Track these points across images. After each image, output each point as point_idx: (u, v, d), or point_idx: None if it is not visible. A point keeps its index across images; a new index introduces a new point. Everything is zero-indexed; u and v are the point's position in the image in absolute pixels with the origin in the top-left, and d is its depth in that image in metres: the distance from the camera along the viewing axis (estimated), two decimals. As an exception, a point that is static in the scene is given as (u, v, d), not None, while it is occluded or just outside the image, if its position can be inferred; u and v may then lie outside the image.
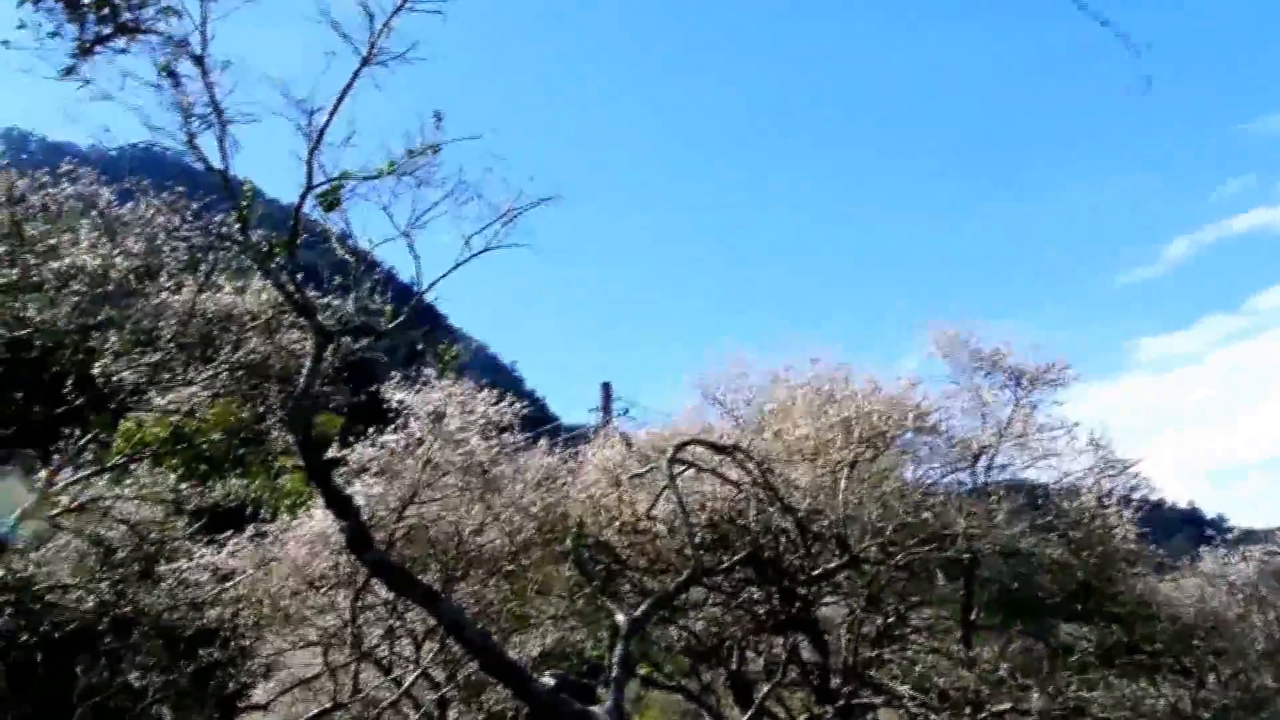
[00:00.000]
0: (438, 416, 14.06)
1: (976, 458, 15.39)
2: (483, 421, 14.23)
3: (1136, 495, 15.36)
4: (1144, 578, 15.60)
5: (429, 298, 11.63)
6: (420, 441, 14.11)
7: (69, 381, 13.80)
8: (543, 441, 15.69)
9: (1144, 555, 15.57)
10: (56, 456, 14.69)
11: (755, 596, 15.38)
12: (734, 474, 13.32)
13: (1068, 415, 15.40)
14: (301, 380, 10.71)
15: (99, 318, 13.57)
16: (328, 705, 15.86)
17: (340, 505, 10.66)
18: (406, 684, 15.48)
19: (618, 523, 14.36)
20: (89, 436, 14.74)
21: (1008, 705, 14.50)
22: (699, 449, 13.22)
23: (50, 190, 12.73)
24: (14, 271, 12.24)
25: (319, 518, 15.29)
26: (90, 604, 16.46)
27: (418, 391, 14.36)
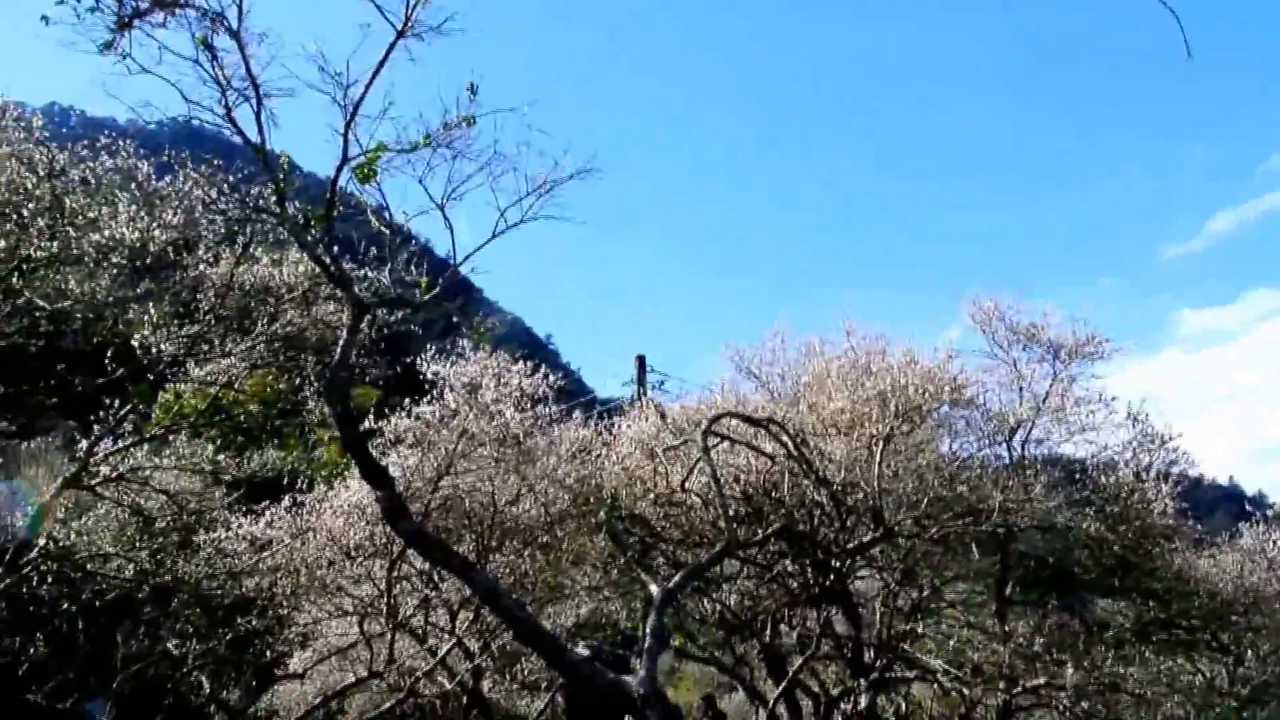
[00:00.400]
0: (473, 388, 14.12)
1: (1013, 431, 15.28)
2: (518, 393, 14.29)
3: (1175, 470, 15.19)
4: (1182, 553, 15.45)
5: (464, 270, 11.64)
6: (455, 413, 14.18)
7: (109, 353, 13.91)
8: (577, 413, 15.73)
9: (1182, 531, 15.41)
10: (96, 427, 14.80)
11: (789, 569, 15.38)
12: (769, 447, 13.30)
13: (1106, 389, 15.26)
14: (338, 352, 10.77)
15: (138, 290, 13.68)
16: (364, 674, 16.04)
17: (376, 476, 10.73)
18: (442, 653, 15.60)
19: (652, 495, 14.39)
20: (128, 407, 14.84)
21: (1042, 680, 14.46)
22: (734, 422, 13.21)
23: (90, 164, 12.78)
24: (54, 244, 12.33)
25: (355, 488, 15.41)
26: (130, 572, 16.65)
27: (453, 364, 14.42)
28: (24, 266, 12.35)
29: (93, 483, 15.23)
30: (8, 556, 14.61)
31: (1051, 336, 15.34)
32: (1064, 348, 15.32)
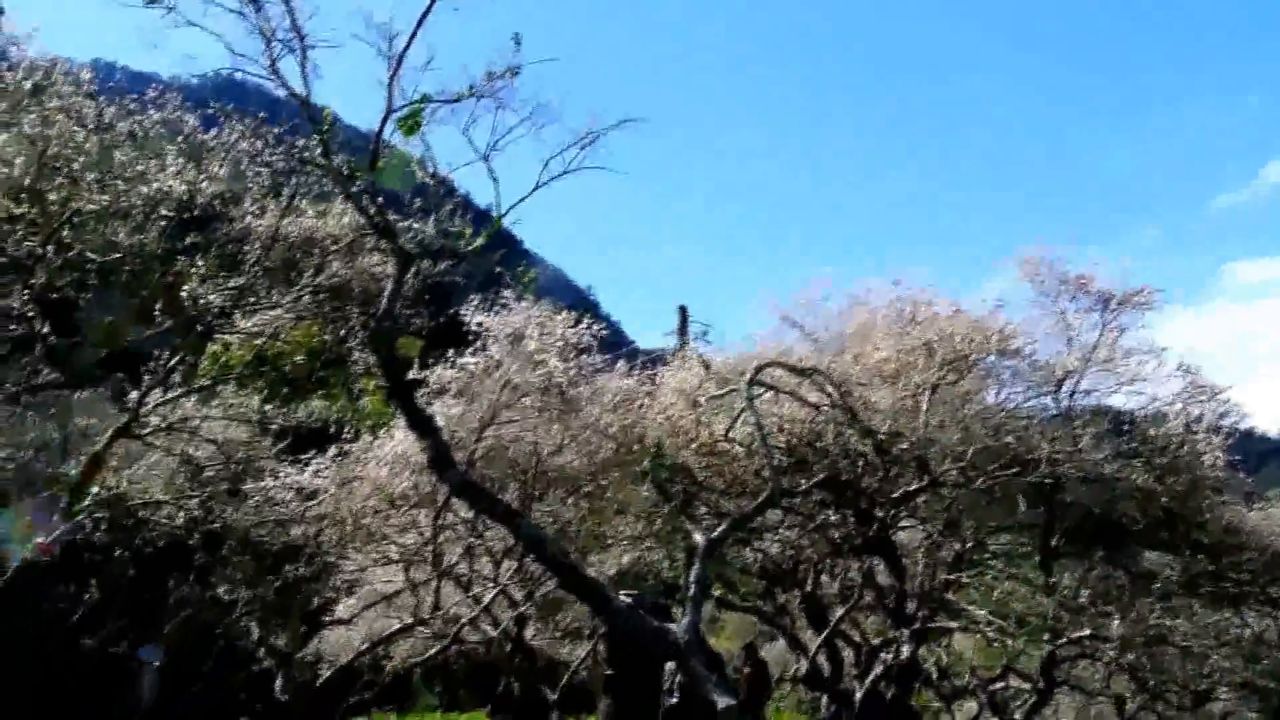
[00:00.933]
0: (517, 339, 14.13)
1: (1061, 382, 15.10)
2: (561, 343, 14.28)
3: (1226, 423, 14.96)
4: (1232, 506, 15.28)
5: (506, 222, 11.63)
6: (499, 363, 14.19)
7: (157, 305, 14.06)
8: (620, 364, 15.70)
9: (1232, 483, 15.24)
10: (146, 378, 15.00)
11: (831, 519, 15.37)
12: (813, 397, 13.25)
13: (1155, 340, 15.03)
14: (383, 302, 10.81)
15: (186, 242, 13.80)
16: (410, 621, 16.24)
17: (422, 425, 10.79)
18: (486, 601, 15.75)
19: (695, 444, 14.39)
20: (177, 359, 15.04)
21: (1087, 632, 14.42)
22: (778, 372, 13.14)
23: (137, 117, 12.87)
24: (104, 198, 12.44)
25: (399, 438, 15.53)
26: (181, 520, 16.95)
27: (496, 314, 14.43)
28: (74, 220, 12.49)
29: (143, 432, 15.46)
30: (62, 505, 14.90)
31: (1100, 287, 15.08)
32: (1113, 298, 15.07)
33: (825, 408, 13.23)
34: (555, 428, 14.46)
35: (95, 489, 15.47)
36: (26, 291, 12.57)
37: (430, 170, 11.21)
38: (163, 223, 13.09)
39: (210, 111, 13.40)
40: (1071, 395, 15.32)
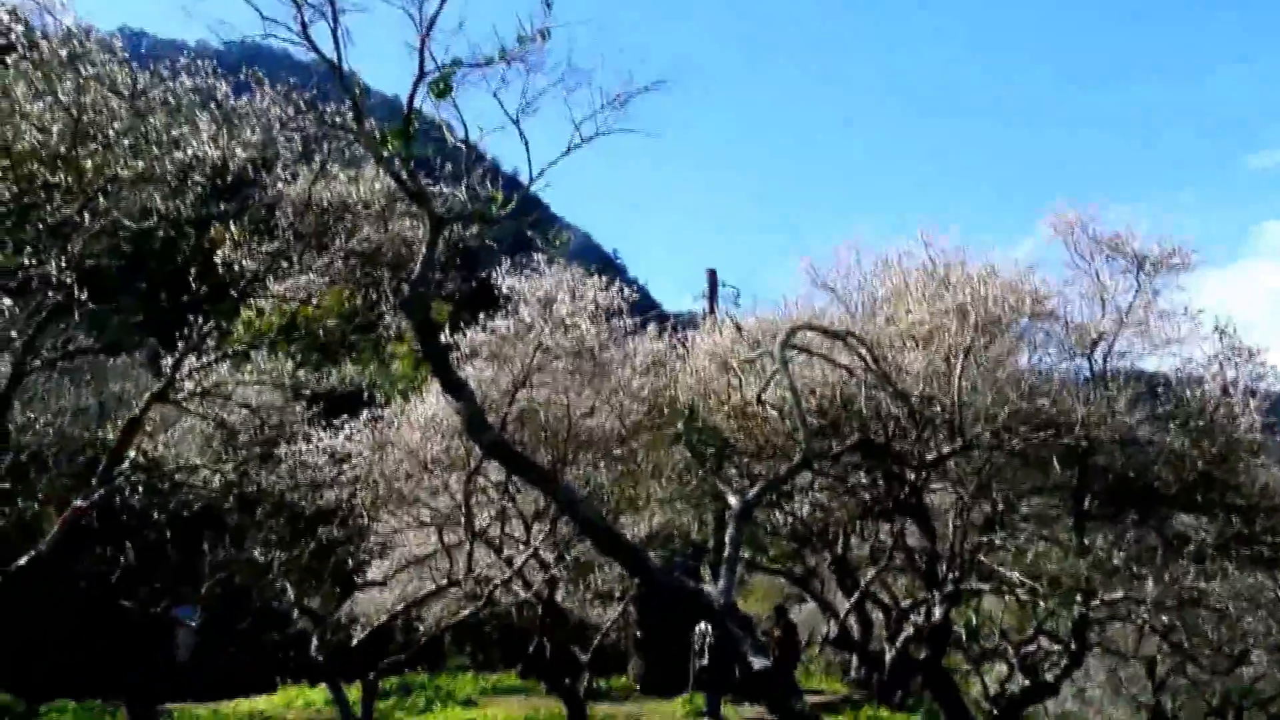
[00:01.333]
0: (548, 302, 14.18)
1: (1094, 344, 14.99)
2: (592, 306, 14.33)
3: (1262, 385, 14.83)
4: (1268, 469, 15.18)
5: (535, 186, 11.64)
6: (530, 327, 14.26)
7: (192, 271, 14.16)
8: (651, 327, 15.74)
9: (1269, 446, 15.12)
10: (181, 344, 15.13)
11: (863, 482, 15.38)
12: (845, 359, 13.23)
13: (1191, 302, 14.88)
14: (417, 266, 10.85)
15: (219, 208, 13.87)
16: (443, 583, 16.40)
17: (456, 389, 10.85)
18: (518, 564, 15.87)
19: (726, 407, 14.41)
20: (211, 324, 15.16)
21: (1120, 594, 14.39)
22: (810, 334, 13.13)
23: (169, 84, 12.89)
24: (139, 164, 12.50)
25: (431, 403, 15.66)
26: (216, 484, 17.16)
27: (527, 278, 14.48)
28: (109, 186, 12.56)
29: (179, 397, 15.60)
30: (100, 469, 15.08)
31: (1136, 248, 14.92)
32: (1148, 259, 14.90)
33: (859, 371, 13.21)
34: (586, 391, 14.54)
35: (132, 453, 15.65)
36: (64, 258, 12.66)
37: (462, 135, 11.23)
38: (196, 189, 13.13)
39: (242, 78, 13.42)
40: (1105, 358, 15.22)
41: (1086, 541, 14.81)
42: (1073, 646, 15.48)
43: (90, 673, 21.86)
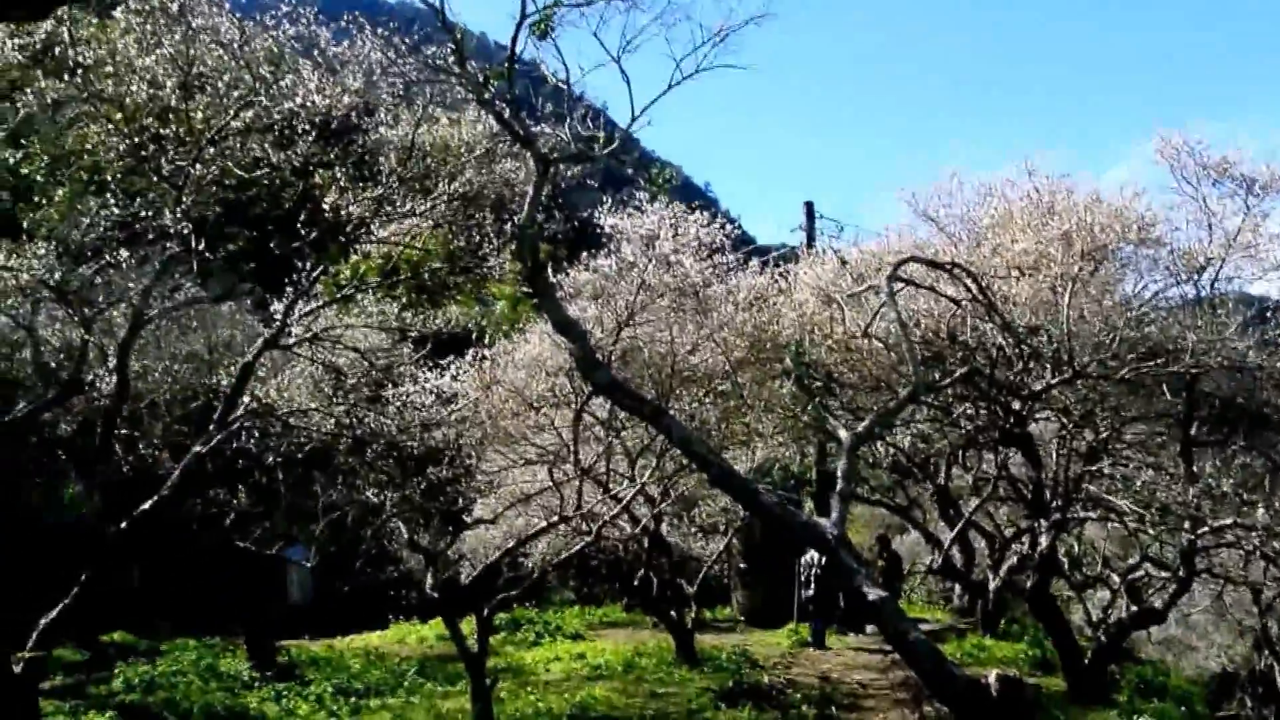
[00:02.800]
0: (650, 240, 14.26)
1: (1201, 270, 14.72)
2: (695, 243, 14.38)
3: (1378, 307, 14.50)
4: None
5: (638, 124, 11.70)
6: (633, 265, 14.37)
7: (300, 217, 14.44)
8: (753, 262, 15.75)
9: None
10: (290, 290, 15.45)
11: (967, 412, 15.35)
12: (951, 291, 13.18)
13: (1304, 224, 14.52)
14: (525, 208, 11.00)
15: (326, 155, 14.11)
16: (552, 519, 16.72)
17: (567, 327, 11.04)
18: (626, 500, 16.11)
19: (830, 341, 14.44)
20: (320, 270, 15.45)
21: (1230, 520, 14.26)
22: (914, 266, 13.08)
23: (273, 33, 13.10)
24: (247, 114, 12.77)
25: (535, 343, 15.88)
26: (328, 426, 17.57)
27: (629, 216, 14.56)
28: (218, 137, 12.85)
29: (289, 342, 15.98)
30: (216, 415, 15.54)
31: (1244, 170, 14.57)
32: (1257, 181, 14.56)
33: (965, 302, 13.16)
34: (690, 327, 14.63)
35: (246, 399, 16.08)
36: (178, 209, 13.00)
37: (564, 75, 11.32)
38: (304, 137, 13.36)
39: (343, 24, 13.57)
40: (1213, 283, 14.94)
41: (1195, 468, 14.68)
42: (1181, 573, 15.39)
43: (208, 612, 22.70)
